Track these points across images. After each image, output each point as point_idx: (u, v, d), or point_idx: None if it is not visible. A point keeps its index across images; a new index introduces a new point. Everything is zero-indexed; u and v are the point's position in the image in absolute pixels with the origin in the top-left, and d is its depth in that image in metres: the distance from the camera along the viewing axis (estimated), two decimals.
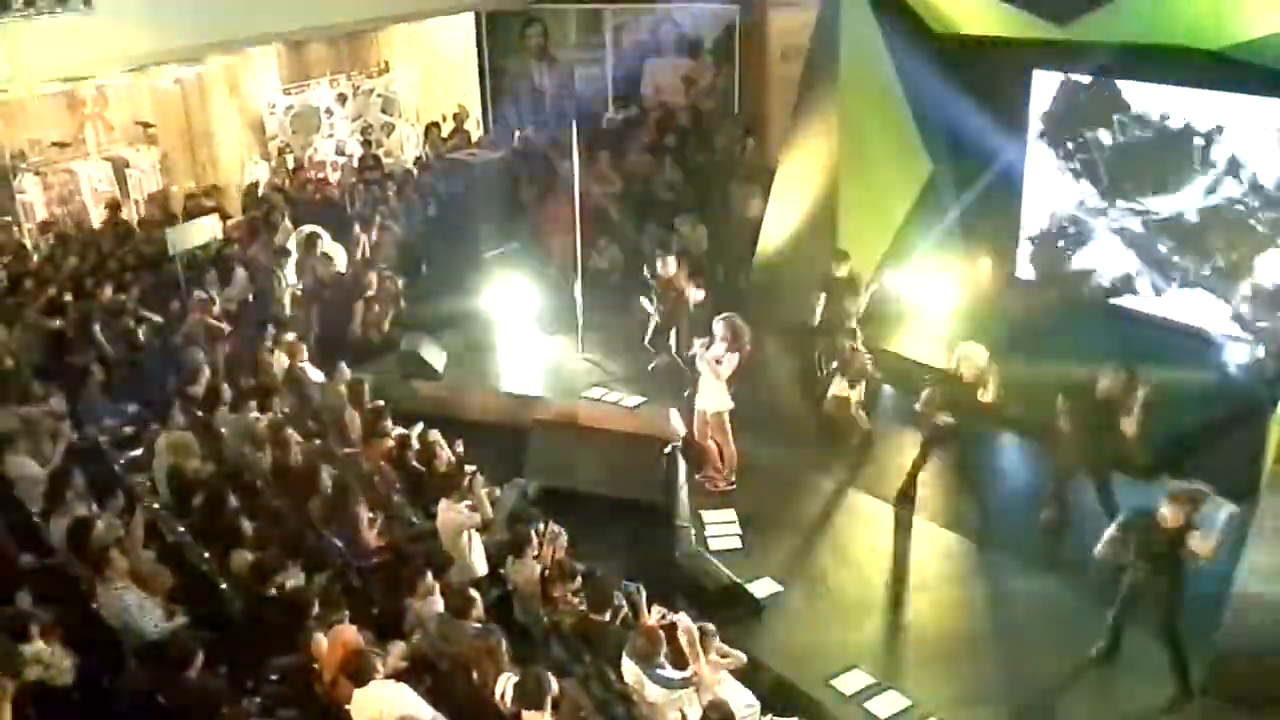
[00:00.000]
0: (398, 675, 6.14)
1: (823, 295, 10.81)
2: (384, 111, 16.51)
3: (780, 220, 12.32)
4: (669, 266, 11.24)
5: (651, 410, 10.24)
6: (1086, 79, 11.17)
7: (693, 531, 8.74)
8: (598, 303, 12.03)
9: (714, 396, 9.32)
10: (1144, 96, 10.97)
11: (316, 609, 6.68)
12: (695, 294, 11.33)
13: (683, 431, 9.65)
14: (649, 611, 6.76)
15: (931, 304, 11.55)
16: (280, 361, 10.11)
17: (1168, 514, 6.71)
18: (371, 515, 8.00)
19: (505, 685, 5.98)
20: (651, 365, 11.33)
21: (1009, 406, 9.41)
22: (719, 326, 9.24)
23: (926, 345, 10.95)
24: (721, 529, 8.92)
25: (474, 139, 15.91)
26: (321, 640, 6.38)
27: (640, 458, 9.46)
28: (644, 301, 11.66)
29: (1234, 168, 10.58)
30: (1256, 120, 10.22)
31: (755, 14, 15.26)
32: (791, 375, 11.30)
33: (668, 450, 9.50)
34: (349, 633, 6.33)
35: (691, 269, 11.66)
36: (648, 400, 10.59)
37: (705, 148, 14.93)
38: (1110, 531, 7.05)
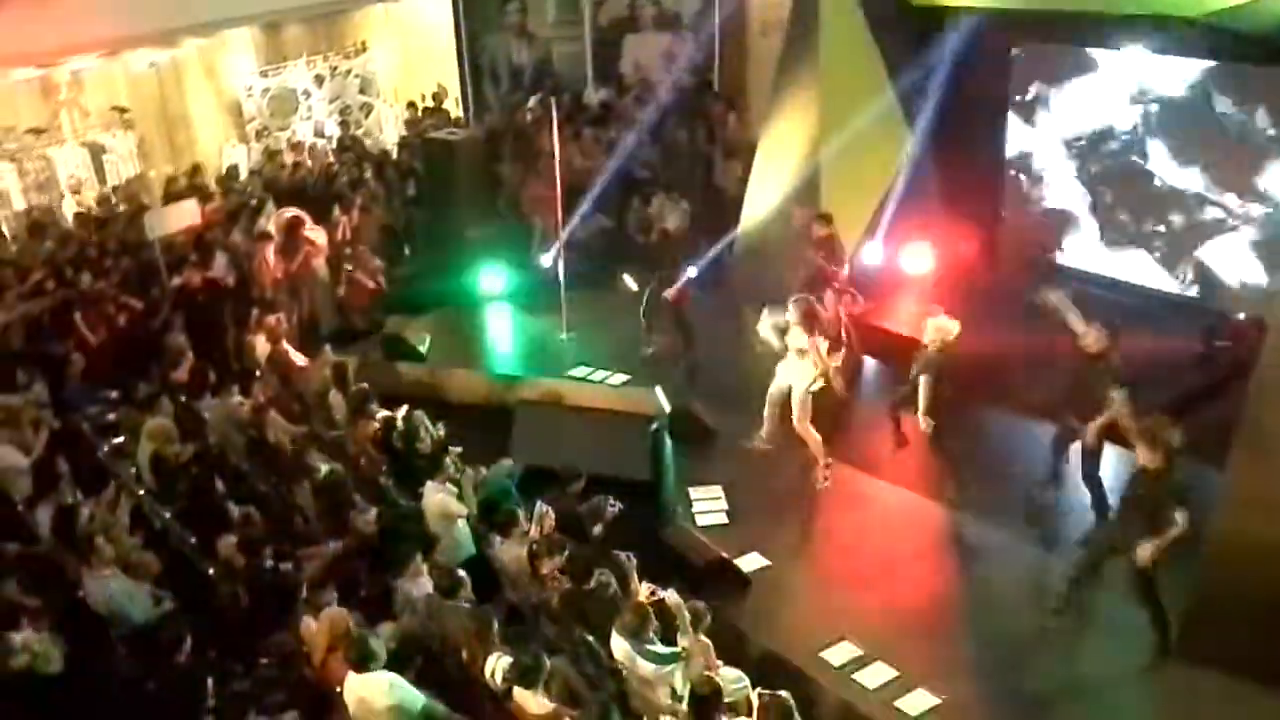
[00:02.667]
0: (387, 656, 6.15)
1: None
2: (362, 92, 16.41)
3: (762, 193, 12.31)
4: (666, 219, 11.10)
5: (637, 388, 10.24)
6: (1066, 49, 11.22)
7: (679, 508, 8.75)
8: (581, 280, 12.00)
9: (800, 373, 9.03)
10: (1124, 66, 11.03)
11: (305, 592, 6.71)
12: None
13: (668, 409, 9.65)
14: (639, 585, 6.77)
15: (912, 276, 11.60)
16: (262, 345, 10.06)
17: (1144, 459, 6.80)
18: (357, 497, 8.01)
19: (495, 664, 6.00)
20: (650, 350, 11.28)
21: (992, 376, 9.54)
22: (792, 311, 8.95)
23: (906, 317, 11.00)
24: (708, 504, 8.94)
25: (453, 118, 15.83)
26: (310, 623, 6.39)
27: (626, 435, 9.44)
28: (626, 278, 11.63)
29: (1187, 130, 10.67)
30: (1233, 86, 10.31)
31: None
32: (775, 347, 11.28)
33: (653, 427, 9.49)
34: (339, 615, 6.33)
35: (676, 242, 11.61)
36: (632, 378, 10.58)
37: (686, 123, 14.88)
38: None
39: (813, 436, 9.13)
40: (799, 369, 8.96)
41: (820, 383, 8.96)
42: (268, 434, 8.55)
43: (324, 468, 7.91)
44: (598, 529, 7.60)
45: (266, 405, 8.88)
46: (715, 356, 11.13)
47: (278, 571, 6.89)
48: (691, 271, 10.97)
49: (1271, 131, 10.23)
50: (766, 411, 9.32)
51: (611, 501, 7.70)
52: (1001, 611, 7.72)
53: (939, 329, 9.16)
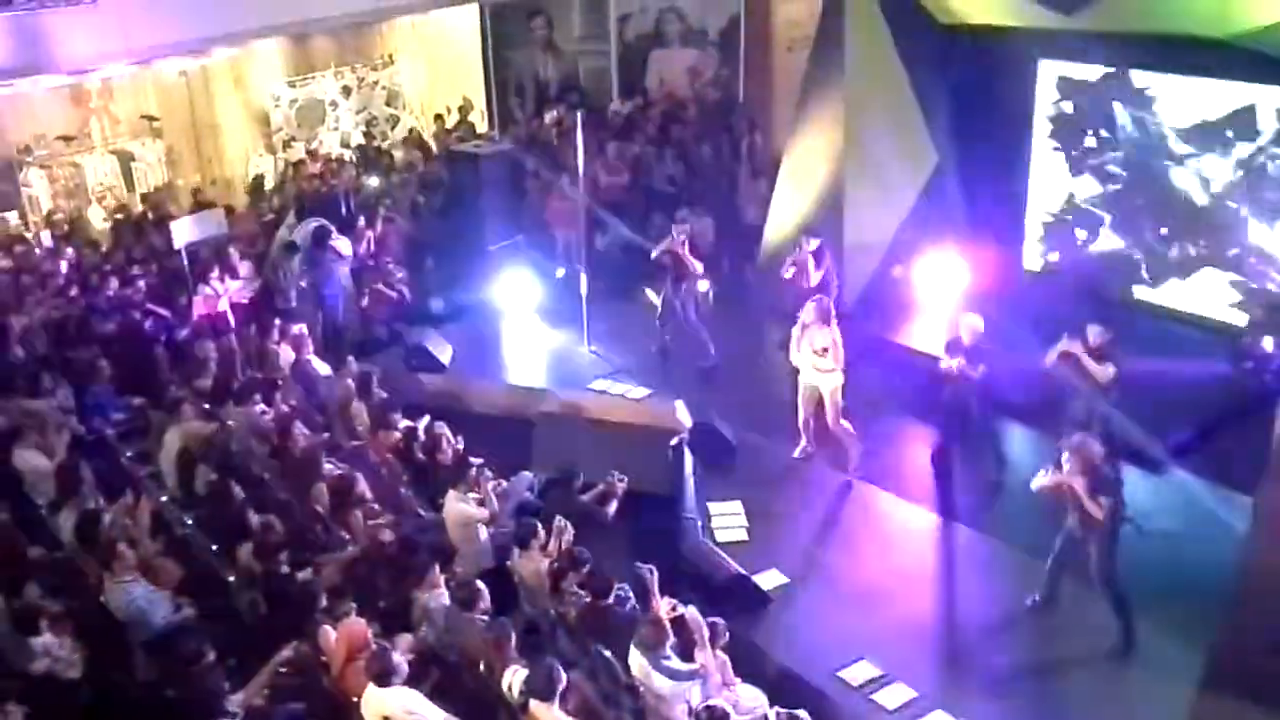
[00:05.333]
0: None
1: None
2: (388, 104, 16.52)
3: (786, 211, 12.31)
4: (677, 241, 11.17)
5: (658, 401, 10.24)
6: (1093, 69, 11.16)
7: (699, 523, 8.73)
8: (603, 294, 12.02)
9: (825, 371, 9.19)
10: (1150, 86, 10.96)
11: (324, 601, 6.72)
12: (703, 283, 11.33)
13: (689, 423, 9.64)
14: (659, 599, 6.74)
15: (936, 295, 11.54)
16: (286, 354, 10.11)
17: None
18: (378, 507, 8.04)
19: (513, 677, 6.00)
20: (656, 347, 11.34)
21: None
22: (810, 309, 9.17)
23: (930, 336, 10.94)
24: (728, 520, 8.91)
25: (479, 130, 15.90)
26: (329, 632, 6.41)
27: (647, 449, 9.42)
28: (648, 291, 11.65)
29: (1241, 156, 10.58)
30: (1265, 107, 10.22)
31: (760, 4, 15.21)
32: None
33: (674, 441, 9.48)
34: (357, 626, 6.34)
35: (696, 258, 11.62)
36: (654, 392, 10.58)
37: (710, 139, 14.90)
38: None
39: (849, 431, 9.29)
40: (823, 367, 9.08)
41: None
42: (290, 442, 8.57)
43: (343, 474, 7.93)
44: (611, 508, 7.63)
45: (290, 415, 8.91)
46: (737, 372, 11.14)
47: (294, 579, 6.89)
48: (682, 230, 11.20)
49: None
50: (801, 420, 9.49)
51: (619, 475, 7.85)
52: (1023, 633, 7.66)
53: (967, 325, 9.09)
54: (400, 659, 5.99)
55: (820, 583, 8.25)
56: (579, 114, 11.63)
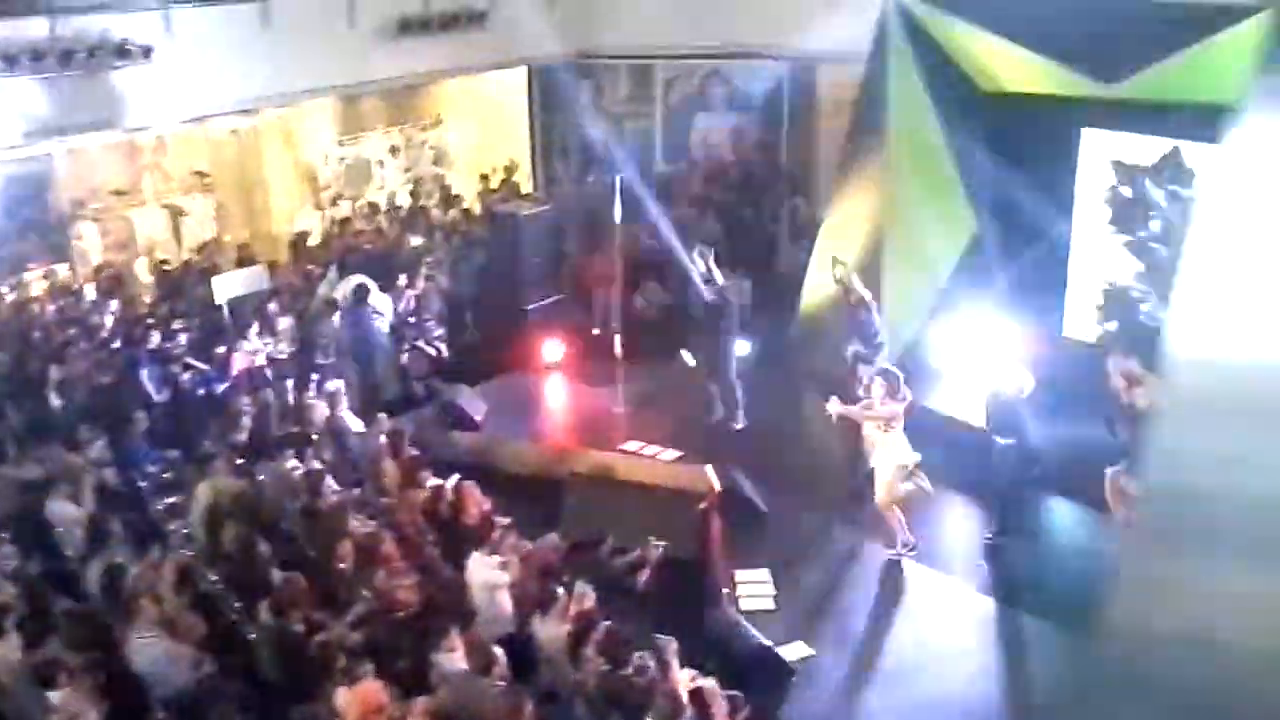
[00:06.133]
0: None
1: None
2: (435, 164, 16.75)
3: (824, 274, 12.23)
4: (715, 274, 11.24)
5: (688, 465, 10.15)
6: (1136, 139, 11.06)
7: (725, 590, 8.61)
8: (639, 355, 12.01)
9: (895, 450, 8.98)
10: (1195, 156, 10.83)
11: (342, 661, 6.68)
12: (741, 345, 11.30)
13: (718, 487, 9.54)
14: (678, 669, 6.64)
15: (973, 361, 11.39)
16: (320, 410, 10.18)
17: None
18: (403, 566, 8.01)
19: None
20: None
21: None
22: (877, 384, 9.02)
23: (967, 406, 10.80)
24: (754, 589, 8.79)
25: (523, 191, 16.07)
26: (344, 694, 6.36)
27: (676, 513, 9.32)
28: (684, 353, 11.63)
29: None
30: None
31: (805, 70, 15.29)
32: (831, 429, 11.15)
33: (703, 505, 9.38)
34: (372, 689, 6.30)
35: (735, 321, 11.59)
36: (684, 455, 10.50)
37: (751, 202, 14.94)
38: None
39: (895, 517, 9.06)
40: (886, 442, 8.91)
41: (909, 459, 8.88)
42: (318, 499, 8.59)
43: (368, 532, 7.92)
44: (643, 576, 7.54)
45: (321, 471, 8.94)
46: (770, 436, 11.05)
47: (312, 638, 6.86)
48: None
49: None
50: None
51: (655, 543, 7.72)
52: (1050, 709, 7.42)
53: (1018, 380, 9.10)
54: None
55: (847, 656, 8.09)
56: (617, 177, 11.69)
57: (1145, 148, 11.10)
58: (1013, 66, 10.52)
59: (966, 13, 10.46)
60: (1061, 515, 9.73)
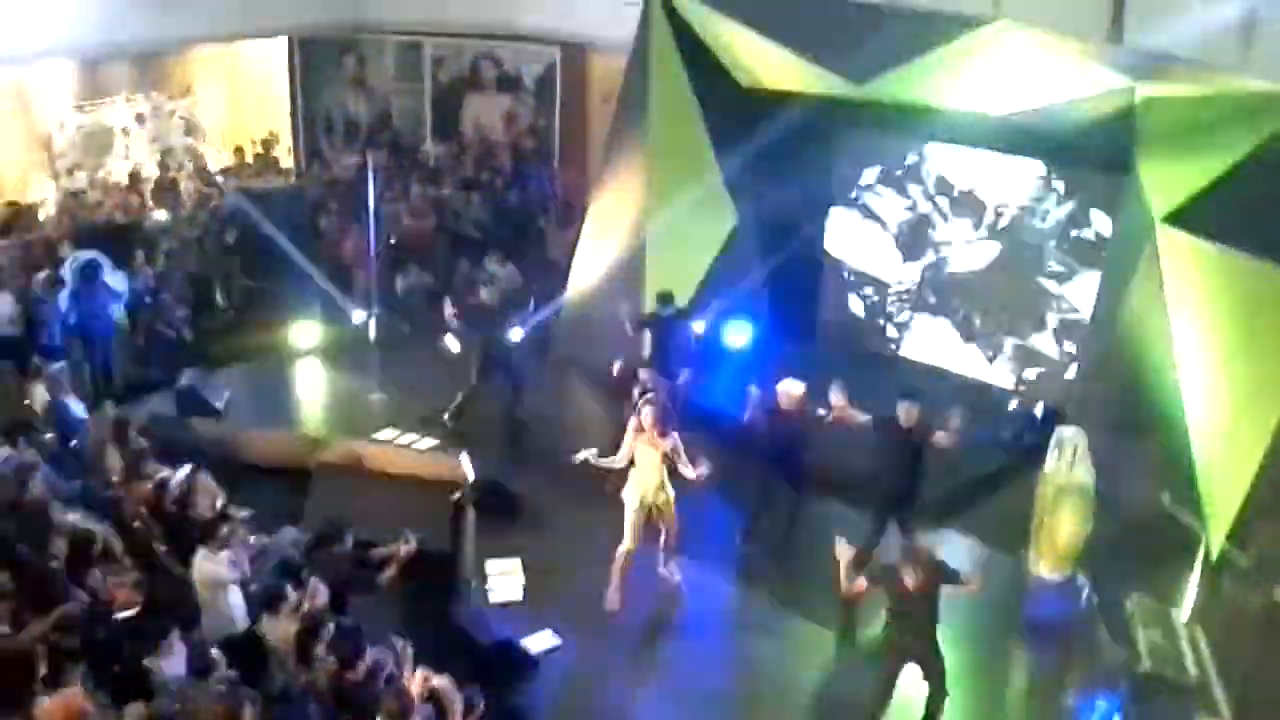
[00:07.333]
0: None
1: (648, 334, 10.72)
2: (187, 134, 15.76)
3: (590, 262, 12.22)
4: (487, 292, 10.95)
5: (442, 453, 9.91)
6: (886, 138, 11.53)
7: (474, 582, 8.43)
8: (399, 339, 11.66)
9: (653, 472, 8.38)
10: (936, 157, 11.40)
11: (44, 668, 6.15)
12: (515, 331, 11.09)
13: (471, 476, 9.34)
14: (413, 672, 6.43)
15: (734, 354, 11.61)
16: (41, 395, 9.39)
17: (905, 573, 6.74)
18: (124, 563, 7.47)
19: None
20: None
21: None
22: (645, 413, 8.29)
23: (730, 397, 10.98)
24: (505, 580, 8.65)
25: (282, 166, 15.36)
26: (45, 704, 5.85)
27: (428, 504, 9.07)
28: (448, 338, 11.32)
29: (1009, 228, 11.11)
30: (1032, 184, 10.78)
31: (576, 55, 15.25)
32: (593, 416, 11.14)
33: (456, 496, 9.16)
34: (74, 696, 5.81)
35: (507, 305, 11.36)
36: (439, 444, 10.24)
37: (520, 186, 14.78)
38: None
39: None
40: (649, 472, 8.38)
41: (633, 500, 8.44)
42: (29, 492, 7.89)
43: (81, 528, 7.33)
44: (388, 572, 7.31)
45: (33, 462, 8.22)
46: (536, 422, 10.92)
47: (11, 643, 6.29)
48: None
49: (1082, 237, 10.70)
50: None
51: (408, 536, 7.48)
52: (799, 702, 7.62)
53: (784, 393, 8.90)
54: None
55: (593, 645, 8.04)
56: (368, 154, 11.31)
57: (897, 148, 11.61)
58: (771, 64, 10.71)
59: (726, 7, 10.57)
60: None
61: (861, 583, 7.06)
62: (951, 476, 9.25)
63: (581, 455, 8.51)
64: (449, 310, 10.77)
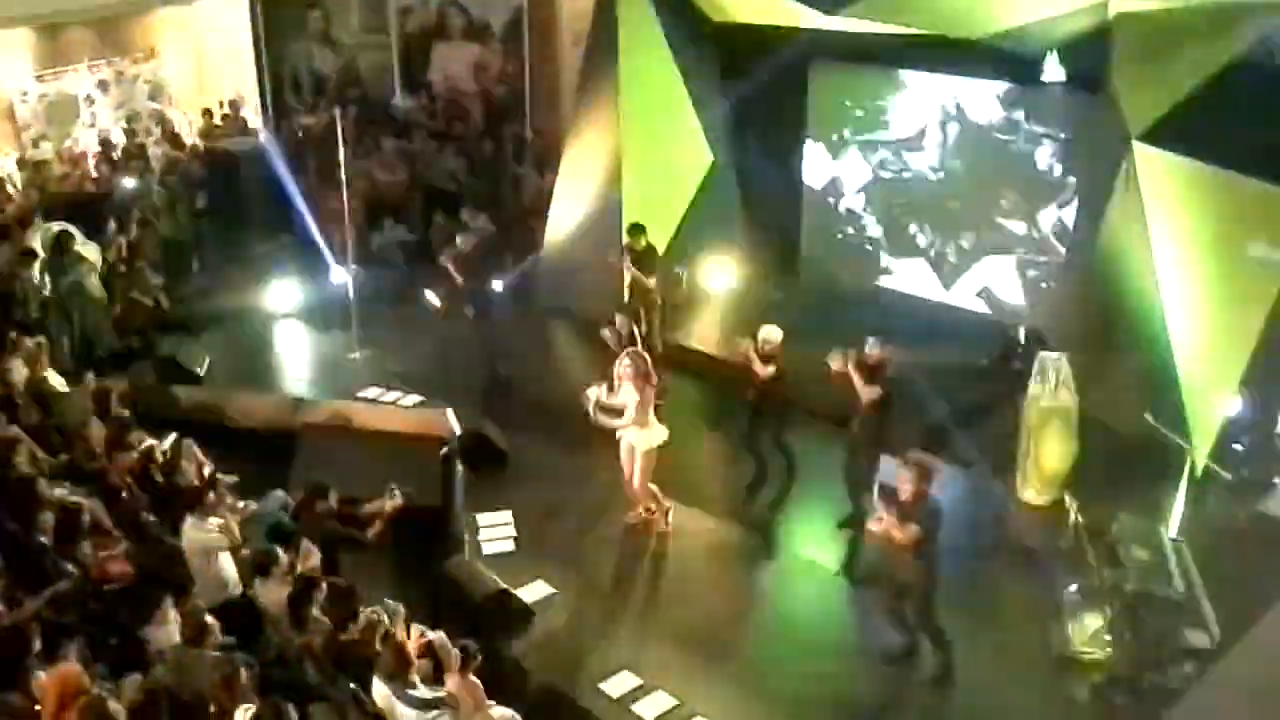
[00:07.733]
0: (134, 710, 5.69)
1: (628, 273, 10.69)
2: (152, 99, 15.52)
3: (567, 208, 12.12)
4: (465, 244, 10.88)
5: (428, 409, 9.88)
6: (859, 68, 11.39)
7: (465, 536, 8.44)
8: (379, 296, 11.57)
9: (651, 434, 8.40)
10: (909, 85, 11.27)
11: (39, 643, 6.15)
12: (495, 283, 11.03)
13: (458, 430, 9.32)
14: (407, 630, 6.45)
15: (717, 293, 11.57)
16: (19, 370, 9.31)
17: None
18: (114, 535, 7.46)
19: (244, 717, 5.61)
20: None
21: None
22: (626, 365, 8.27)
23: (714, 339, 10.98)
24: (496, 531, 8.65)
25: (251, 126, 15.14)
26: (42, 677, 5.86)
27: (416, 460, 9.04)
28: (428, 293, 11.26)
29: (982, 153, 11.03)
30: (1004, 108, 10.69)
31: None
32: (581, 363, 11.09)
33: (444, 450, 9.15)
34: (71, 671, 5.82)
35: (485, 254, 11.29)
36: (426, 399, 10.21)
37: (494, 135, 14.61)
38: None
39: (650, 494, 8.64)
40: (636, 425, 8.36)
41: (661, 439, 8.47)
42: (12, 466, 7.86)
43: (68, 499, 7.31)
44: (374, 529, 7.34)
45: (14, 437, 8.17)
46: (518, 373, 10.88)
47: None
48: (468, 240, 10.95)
49: (1058, 159, 10.62)
50: (626, 477, 8.61)
51: (395, 491, 7.46)
52: (794, 639, 7.65)
53: (765, 339, 8.75)
54: (118, 706, 5.52)
55: (587, 593, 8.07)
56: (336, 110, 11.15)
57: (870, 78, 11.47)
58: None
59: None
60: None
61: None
62: (937, 405, 9.26)
63: (590, 394, 8.40)
64: (447, 261, 10.66)
